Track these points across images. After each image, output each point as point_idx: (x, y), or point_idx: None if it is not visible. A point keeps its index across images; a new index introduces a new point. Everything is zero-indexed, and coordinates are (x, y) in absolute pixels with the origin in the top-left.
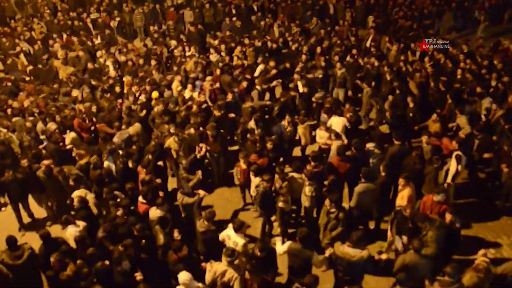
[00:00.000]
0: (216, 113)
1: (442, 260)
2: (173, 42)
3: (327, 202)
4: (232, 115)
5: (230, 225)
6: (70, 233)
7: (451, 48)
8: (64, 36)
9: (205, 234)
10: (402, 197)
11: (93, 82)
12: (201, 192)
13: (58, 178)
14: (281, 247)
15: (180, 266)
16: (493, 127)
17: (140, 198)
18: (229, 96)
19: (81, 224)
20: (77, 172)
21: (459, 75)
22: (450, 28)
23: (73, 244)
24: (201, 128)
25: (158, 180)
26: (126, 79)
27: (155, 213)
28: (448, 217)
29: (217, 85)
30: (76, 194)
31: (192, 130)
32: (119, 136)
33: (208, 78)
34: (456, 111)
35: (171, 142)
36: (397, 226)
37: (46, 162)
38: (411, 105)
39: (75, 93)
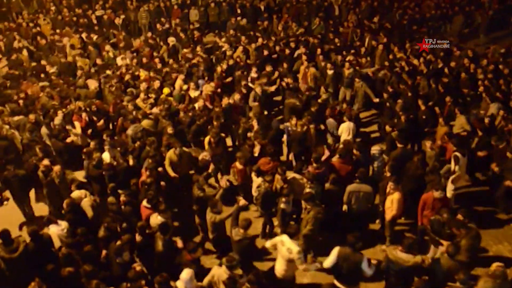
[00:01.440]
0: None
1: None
2: (171, 39)
3: (303, 201)
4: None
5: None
6: (53, 232)
7: (456, 51)
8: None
9: (241, 242)
10: (392, 201)
11: (108, 72)
12: (241, 201)
13: (54, 180)
14: (329, 258)
15: (194, 267)
16: (498, 131)
17: (145, 202)
18: (236, 96)
19: (64, 224)
20: (73, 177)
21: (447, 71)
22: (459, 31)
23: (57, 242)
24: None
25: (162, 183)
26: (143, 73)
27: (156, 220)
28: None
29: (218, 90)
30: (75, 194)
31: (205, 154)
32: (133, 129)
33: (212, 84)
34: (456, 110)
35: (170, 155)
36: (434, 232)
37: (45, 162)
38: (423, 107)
39: (94, 84)
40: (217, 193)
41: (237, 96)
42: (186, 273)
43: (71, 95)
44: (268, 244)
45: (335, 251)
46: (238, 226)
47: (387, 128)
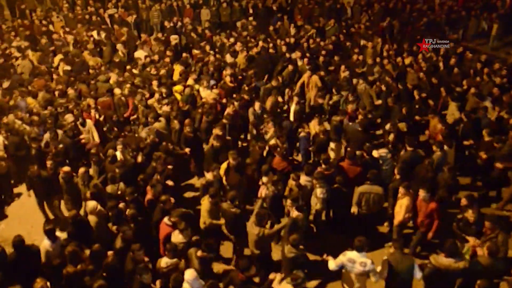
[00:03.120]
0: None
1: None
2: (174, 37)
3: (288, 202)
4: None
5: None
6: (44, 246)
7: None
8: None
9: (295, 260)
10: (401, 206)
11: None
12: (295, 212)
13: (77, 185)
14: (382, 269)
15: (249, 286)
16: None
17: (166, 220)
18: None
19: (63, 236)
20: (96, 183)
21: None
22: (475, 35)
23: (44, 258)
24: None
25: (172, 200)
26: (179, 67)
27: (177, 238)
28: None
29: (223, 100)
30: (90, 204)
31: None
32: (147, 132)
33: (215, 91)
34: (448, 98)
35: (206, 205)
36: (461, 231)
37: (65, 169)
38: (417, 97)
39: (114, 77)
40: (257, 202)
41: (231, 108)
42: (190, 274)
43: (92, 89)
44: (332, 266)
45: (385, 262)
46: (289, 243)
47: (387, 126)
